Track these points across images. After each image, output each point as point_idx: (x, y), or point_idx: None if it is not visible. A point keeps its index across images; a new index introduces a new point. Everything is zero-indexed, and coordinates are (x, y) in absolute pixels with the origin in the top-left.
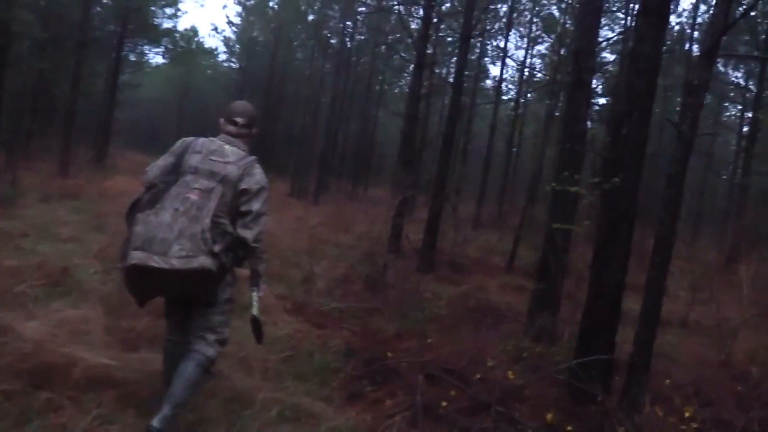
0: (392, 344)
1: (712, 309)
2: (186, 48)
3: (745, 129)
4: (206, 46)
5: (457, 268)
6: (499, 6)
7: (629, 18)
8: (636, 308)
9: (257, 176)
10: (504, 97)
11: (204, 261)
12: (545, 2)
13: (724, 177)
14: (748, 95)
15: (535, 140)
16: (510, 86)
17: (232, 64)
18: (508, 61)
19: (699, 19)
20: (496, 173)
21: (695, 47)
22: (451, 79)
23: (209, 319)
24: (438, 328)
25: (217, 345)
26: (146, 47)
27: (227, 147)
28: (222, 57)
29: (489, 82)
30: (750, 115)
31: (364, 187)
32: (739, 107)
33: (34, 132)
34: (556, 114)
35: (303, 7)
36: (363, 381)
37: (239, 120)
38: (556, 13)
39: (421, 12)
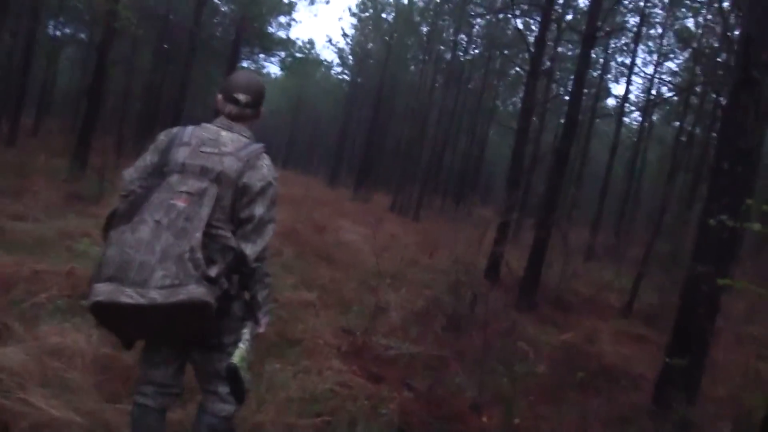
0: (466, 420)
1: None
2: (300, 58)
3: None
4: (321, 58)
5: (563, 307)
6: (627, 18)
7: None
8: None
9: (263, 170)
10: (626, 119)
11: (194, 291)
12: (680, 14)
13: None
14: None
15: (661, 165)
16: (633, 107)
17: (345, 77)
18: (633, 78)
19: None
20: (614, 199)
21: None
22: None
23: (217, 367)
24: (531, 395)
25: (234, 398)
26: (261, 56)
27: (225, 134)
28: (336, 69)
29: (610, 101)
30: None
31: (469, 206)
32: None
33: (141, 133)
34: (683, 139)
35: (417, 19)
36: None
37: (242, 97)
38: (692, 26)
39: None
